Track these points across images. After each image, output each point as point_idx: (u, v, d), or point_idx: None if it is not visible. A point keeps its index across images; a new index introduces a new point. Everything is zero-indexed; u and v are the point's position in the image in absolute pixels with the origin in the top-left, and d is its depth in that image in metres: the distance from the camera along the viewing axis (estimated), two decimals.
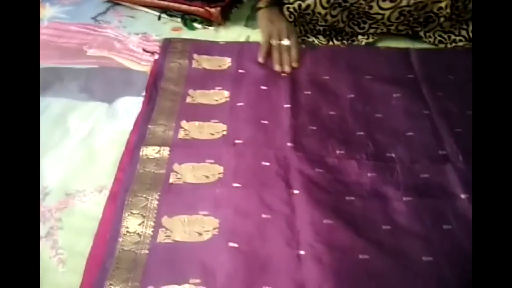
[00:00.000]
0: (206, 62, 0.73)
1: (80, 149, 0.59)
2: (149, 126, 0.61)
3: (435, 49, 0.78)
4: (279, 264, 0.45)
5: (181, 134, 0.61)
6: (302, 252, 0.46)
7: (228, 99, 0.67)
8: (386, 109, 0.65)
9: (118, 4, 0.88)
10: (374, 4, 0.70)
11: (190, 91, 0.67)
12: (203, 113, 0.64)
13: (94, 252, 0.46)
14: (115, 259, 0.45)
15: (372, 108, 0.66)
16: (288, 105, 0.65)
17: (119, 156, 0.57)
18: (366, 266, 0.45)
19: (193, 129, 0.62)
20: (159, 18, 0.85)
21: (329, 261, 0.45)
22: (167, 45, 0.76)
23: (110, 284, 0.43)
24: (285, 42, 0.73)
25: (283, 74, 0.70)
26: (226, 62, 0.74)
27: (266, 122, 0.63)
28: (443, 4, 0.70)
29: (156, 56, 0.75)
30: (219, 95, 0.68)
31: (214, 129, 0.61)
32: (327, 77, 0.71)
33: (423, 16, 0.73)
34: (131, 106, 0.66)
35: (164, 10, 0.85)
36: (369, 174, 0.56)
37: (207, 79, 0.70)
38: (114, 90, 0.68)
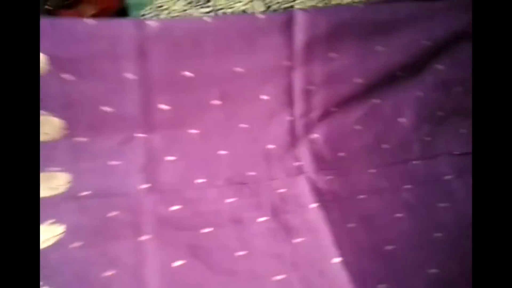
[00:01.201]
0: None
1: None
2: None
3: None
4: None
5: None
6: None
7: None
8: (251, 116, 0.61)
9: None
10: None
11: None
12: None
13: None
14: None
15: (236, 116, 0.60)
16: (141, 135, 0.57)
17: None
18: None
19: None
20: None
21: None
22: None
23: None
24: None
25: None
26: None
27: (115, 162, 0.56)
28: None
29: None
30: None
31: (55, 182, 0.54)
32: (191, 75, 0.56)
33: None
34: None
35: None
36: (228, 200, 0.55)
37: None
38: None
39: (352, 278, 0.45)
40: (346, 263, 0.47)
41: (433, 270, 0.48)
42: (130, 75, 0.54)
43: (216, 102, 0.58)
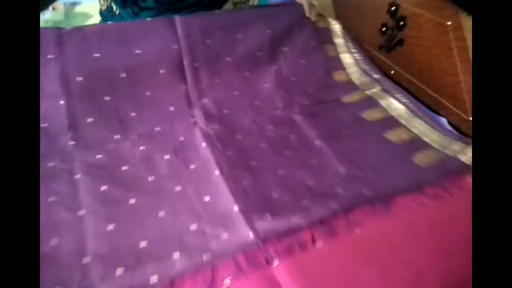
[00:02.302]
0: None
1: None
2: None
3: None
4: (62, 222, 0.59)
5: None
6: (81, 212, 0.61)
7: None
8: (153, 86, 0.82)
9: None
10: None
11: None
12: None
13: None
14: None
15: (142, 86, 0.81)
16: (63, 102, 0.75)
17: None
18: (133, 209, 0.62)
19: None
20: None
21: (104, 213, 0.61)
22: None
23: None
24: None
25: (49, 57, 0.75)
26: None
27: (44, 125, 0.73)
28: None
29: None
30: None
31: None
32: (98, 55, 0.78)
33: None
34: None
35: None
36: (140, 148, 0.75)
37: None
38: None
39: (227, 182, 0.69)
40: (223, 174, 0.70)
41: (281, 172, 0.74)
42: (51, 56, 0.75)
43: (123, 75, 0.79)
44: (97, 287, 0.50)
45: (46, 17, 1.40)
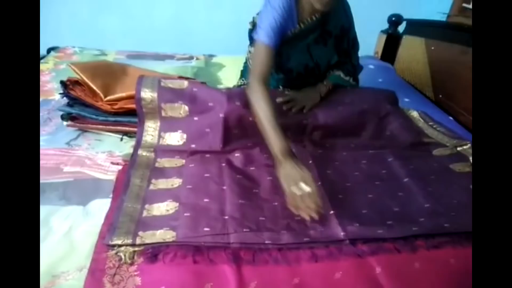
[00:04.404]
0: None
1: (62, 241, 0.73)
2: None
3: None
4: (212, 190, 0.85)
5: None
6: (224, 187, 0.86)
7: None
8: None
9: (87, 131, 1.12)
10: None
11: (153, 180, 0.90)
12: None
13: None
14: None
15: None
16: (222, 115, 1.02)
17: (95, 242, 0.72)
18: (256, 195, 0.85)
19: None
20: (121, 139, 1.09)
21: (238, 191, 0.85)
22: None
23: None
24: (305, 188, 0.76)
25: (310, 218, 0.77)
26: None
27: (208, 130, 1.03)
28: None
29: (120, 167, 0.95)
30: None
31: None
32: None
33: None
34: (101, 205, 0.82)
35: (125, 133, 1.10)
36: (264, 155, 0.97)
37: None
38: (87, 195, 0.85)
39: (326, 192, 0.85)
40: (323, 186, 0.87)
41: (371, 196, 0.88)
42: None
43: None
44: (231, 235, 0.73)
45: (192, 64, 1.82)
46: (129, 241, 0.69)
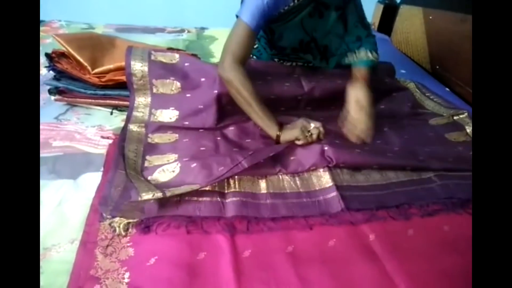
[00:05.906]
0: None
1: (53, 214, 0.72)
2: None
3: None
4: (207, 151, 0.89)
5: None
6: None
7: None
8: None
9: (75, 105, 1.10)
10: None
11: (147, 157, 0.87)
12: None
13: None
14: None
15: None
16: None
17: (86, 215, 0.71)
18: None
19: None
20: (111, 113, 1.07)
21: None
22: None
23: None
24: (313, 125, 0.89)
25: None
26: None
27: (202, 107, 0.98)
28: None
29: (111, 141, 0.94)
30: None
31: None
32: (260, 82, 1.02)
33: None
34: (92, 179, 0.81)
35: (114, 107, 1.08)
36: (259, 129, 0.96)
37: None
38: (78, 169, 0.84)
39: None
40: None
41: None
42: None
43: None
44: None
45: (184, 37, 1.77)
46: (159, 194, 0.69)
